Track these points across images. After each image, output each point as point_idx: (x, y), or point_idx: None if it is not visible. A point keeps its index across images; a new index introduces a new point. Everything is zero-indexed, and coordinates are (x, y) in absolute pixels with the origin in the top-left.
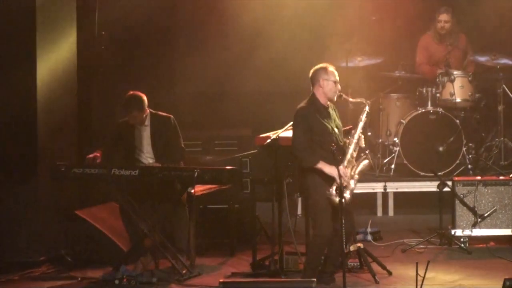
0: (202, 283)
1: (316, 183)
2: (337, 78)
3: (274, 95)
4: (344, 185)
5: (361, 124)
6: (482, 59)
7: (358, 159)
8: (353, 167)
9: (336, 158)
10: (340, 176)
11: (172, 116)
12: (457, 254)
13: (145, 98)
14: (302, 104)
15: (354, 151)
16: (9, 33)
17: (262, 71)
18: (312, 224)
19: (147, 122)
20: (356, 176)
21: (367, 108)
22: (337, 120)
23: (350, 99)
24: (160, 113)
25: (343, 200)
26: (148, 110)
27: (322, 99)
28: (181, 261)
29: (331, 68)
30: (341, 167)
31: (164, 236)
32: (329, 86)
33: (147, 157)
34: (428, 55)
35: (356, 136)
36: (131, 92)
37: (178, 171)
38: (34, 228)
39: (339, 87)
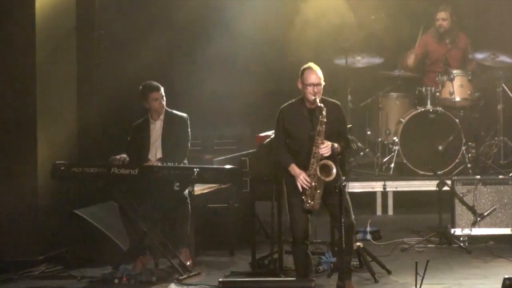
0: (201, 282)
1: (290, 187)
2: (312, 80)
3: (274, 94)
4: (307, 193)
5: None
6: (481, 57)
7: (325, 171)
8: (318, 178)
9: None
10: (302, 183)
11: (186, 115)
12: (457, 253)
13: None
14: (287, 103)
15: (314, 158)
16: (8, 39)
17: (262, 71)
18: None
19: (162, 117)
20: (318, 191)
21: (324, 113)
22: (323, 124)
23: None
24: (176, 111)
25: (310, 208)
26: (164, 105)
27: (306, 101)
28: (180, 260)
29: (307, 69)
30: (302, 175)
31: (163, 235)
32: (303, 89)
33: (157, 153)
34: (425, 53)
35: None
36: (144, 82)
37: (178, 170)
38: (34, 227)
39: (316, 89)
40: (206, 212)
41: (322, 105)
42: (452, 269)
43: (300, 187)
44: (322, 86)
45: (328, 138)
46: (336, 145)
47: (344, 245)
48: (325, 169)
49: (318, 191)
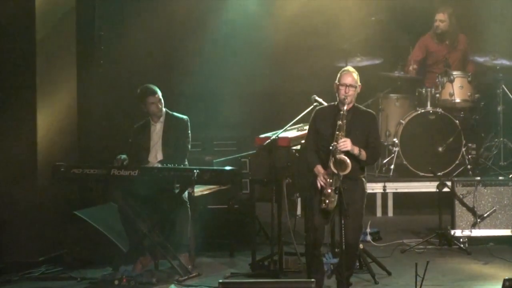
0: (201, 284)
1: (312, 187)
2: (345, 81)
3: (274, 95)
4: (324, 192)
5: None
6: (481, 59)
7: (340, 165)
8: (332, 174)
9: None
10: (320, 180)
11: (186, 117)
12: (457, 255)
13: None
14: (322, 106)
15: (333, 156)
16: (8, 39)
17: (262, 72)
18: None
19: (162, 119)
20: (332, 188)
21: (345, 108)
22: (353, 126)
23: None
24: (176, 114)
25: (326, 207)
26: (163, 106)
27: (339, 103)
28: (180, 262)
29: (344, 71)
30: (322, 173)
31: (163, 236)
32: (337, 90)
33: (157, 155)
34: (425, 54)
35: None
36: (141, 86)
37: (178, 171)
38: (34, 228)
39: (348, 90)
40: (206, 213)
41: (347, 98)
42: (452, 270)
43: (319, 185)
44: (356, 90)
45: (356, 144)
46: (360, 149)
47: (346, 262)
48: (340, 164)
49: (333, 188)
